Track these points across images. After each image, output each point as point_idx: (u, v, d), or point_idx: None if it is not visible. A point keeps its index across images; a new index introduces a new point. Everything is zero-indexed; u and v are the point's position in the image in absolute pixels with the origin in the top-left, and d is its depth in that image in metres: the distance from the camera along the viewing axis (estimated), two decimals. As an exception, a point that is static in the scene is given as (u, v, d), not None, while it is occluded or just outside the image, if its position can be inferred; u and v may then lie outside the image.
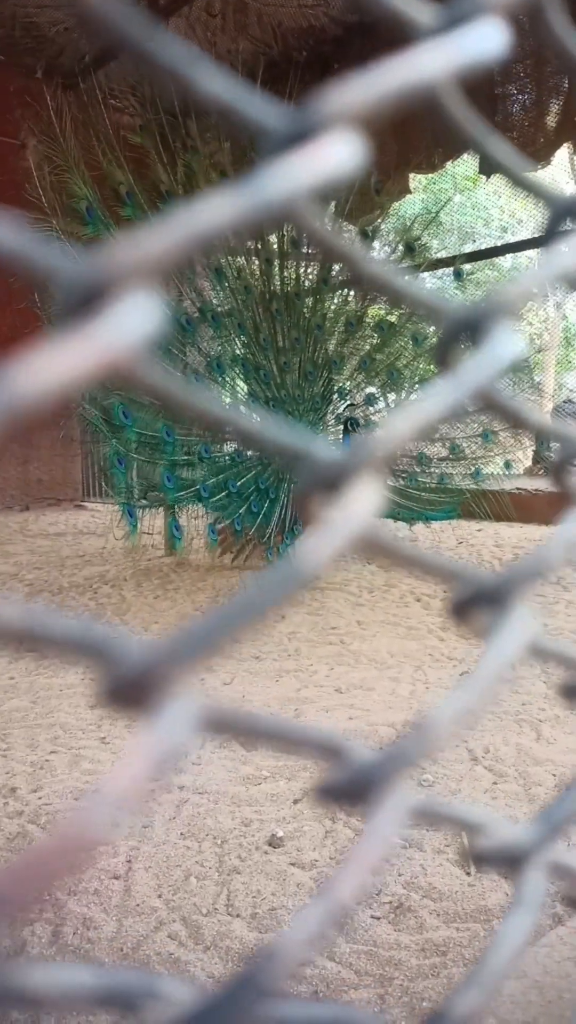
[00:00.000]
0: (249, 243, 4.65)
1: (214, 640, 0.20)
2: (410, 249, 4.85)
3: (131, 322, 0.19)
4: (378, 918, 1.38)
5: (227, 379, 4.62)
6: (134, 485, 4.46)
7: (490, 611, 0.28)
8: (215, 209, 0.20)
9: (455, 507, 5.01)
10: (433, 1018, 0.25)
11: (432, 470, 4.86)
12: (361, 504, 0.22)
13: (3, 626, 0.18)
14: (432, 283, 6.10)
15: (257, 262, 4.67)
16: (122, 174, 4.27)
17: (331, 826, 1.68)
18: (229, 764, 1.99)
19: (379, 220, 5.10)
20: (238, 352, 4.67)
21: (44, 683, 2.68)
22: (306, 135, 0.21)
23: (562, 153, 5.73)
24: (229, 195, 0.20)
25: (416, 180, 6.67)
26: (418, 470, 4.85)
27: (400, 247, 4.89)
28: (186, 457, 4.30)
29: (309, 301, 4.74)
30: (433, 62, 0.23)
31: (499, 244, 11.51)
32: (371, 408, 5.01)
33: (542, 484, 6.78)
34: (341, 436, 4.71)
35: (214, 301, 4.61)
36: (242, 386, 4.75)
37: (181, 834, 1.66)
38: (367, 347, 4.89)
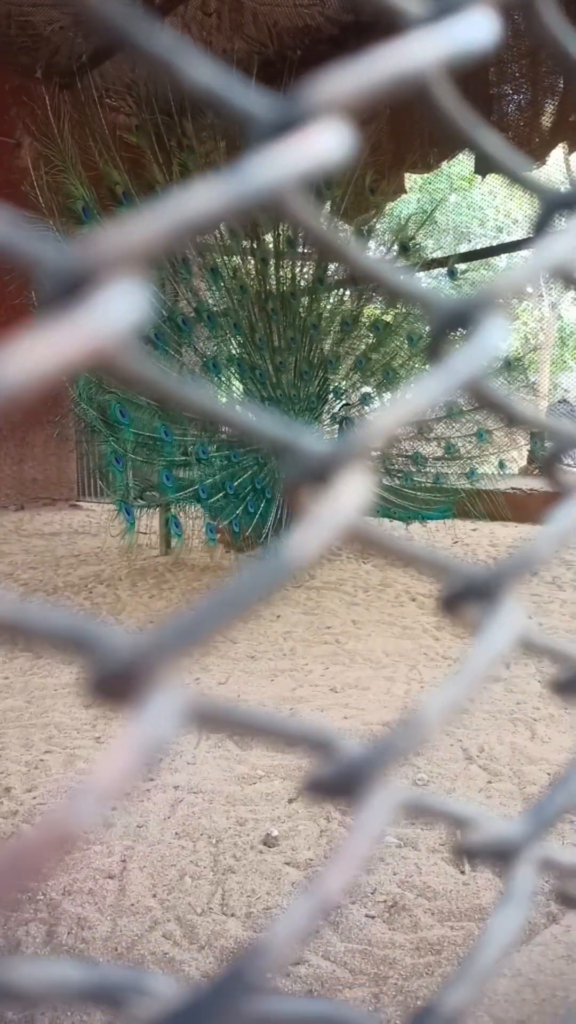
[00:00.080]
0: (245, 242, 4.65)
1: (200, 632, 0.20)
2: (405, 249, 4.85)
3: (117, 310, 0.18)
4: (373, 917, 1.38)
5: (223, 379, 4.61)
6: (131, 485, 4.46)
7: (480, 605, 0.28)
8: (201, 197, 0.19)
9: (450, 507, 5.02)
10: (422, 1014, 0.25)
11: (427, 470, 4.87)
12: (349, 496, 0.22)
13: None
14: (427, 283, 6.11)
15: (253, 261, 4.67)
16: (118, 174, 4.26)
17: (326, 825, 1.68)
18: (224, 763, 1.99)
19: (374, 220, 5.10)
20: (234, 352, 4.67)
21: (39, 683, 2.68)
22: (294, 124, 0.21)
23: (557, 153, 5.74)
24: (215, 183, 0.20)
25: (412, 180, 6.67)
26: (413, 469, 4.85)
27: (395, 247, 4.89)
28: (183, 457, 4.30)
29: (305, 301, 4.74)
30: (422, 51, 0.23)
31: (494, 244, 11.53)
32: (367, 408, 5.01)
33: (537, 484, 6.79)
34: (337, 436, 4.71)
35: (210, 301, 4.61)
36: (238, 386, 4.74)
37: (176, 833, 1.65)
38: (362, 347, 4.89)
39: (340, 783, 0.23)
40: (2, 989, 0.20)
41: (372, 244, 5.00)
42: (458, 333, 0.27)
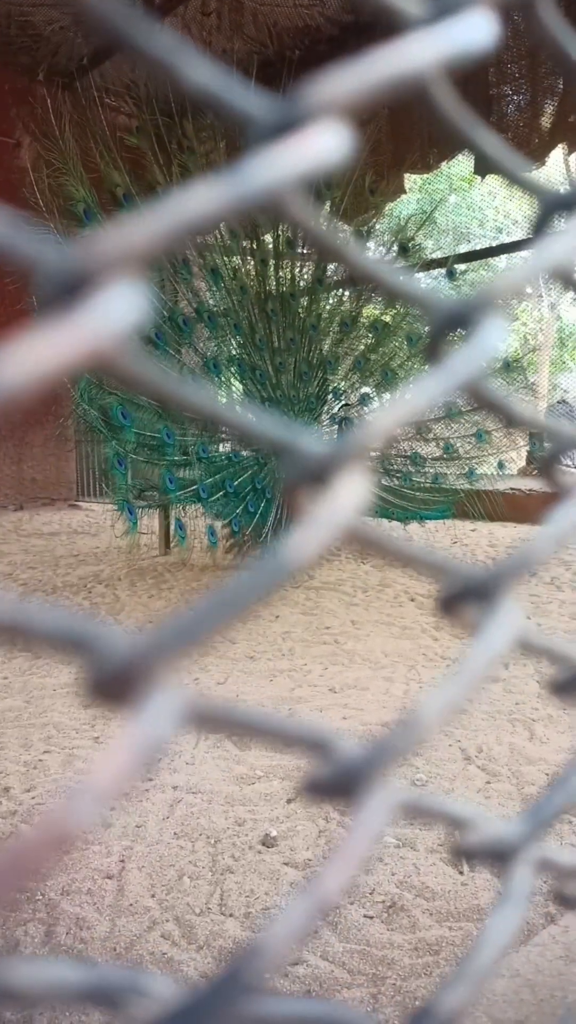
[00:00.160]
0: (245, 243, 4.66)
1: (199, 632, 0.20)
2: (404, 249, 4.86)
3: (116, 311, 0.18)
4: (371, 917, 1.38)
5: (223, 379, 4.62)
6: (131, 485, 4.46)
7: (479, 605, 0.28)
8: (201, 198, 0.19)
9: (449, 507, 5.02)
10: (420, 1014, 0.25)
11: (426, 470, 4.87)
12: (348, 496, 0.22)
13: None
14: (426, 283, 6.10)
15: (253, 262, 4.67)
16: (119, 176, 4.26)
17: (324, 825, 1.68)
18: (223, 764, 1.99)
19: (374, 220, 5.10)
20: (234, 352, 4.67)
21: (38, 683, 2.67)
22: (293, 125, 0.21)
23: (557, 154, 5.74)
24: (214, 184, 0.20)
25: (411, 180, 6.67)
26: (412, 470, 4.86)
27: (394, 247, 4.89)
28: (184, 457, 4.30)
29: (304, 301, 4.75)
30: (421, 52, 0.23)
31: (494, 245, 11.54)
32: (366, 408, 5.02)
33: (536, 484, 6.80)
34: (336, 436, 4.71)
35: (210, 301, 4.61)
36: (238, 386, 4.75)
37: (174, 834, 1.65)
38: (362, 347, 4.89)
39: (339, 783, 0.23)
40: (1, 989, 0.20)
41: (371, 245, 5.00)
42: (457, 334, 0.27)
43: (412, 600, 3.88)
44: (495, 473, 5.00)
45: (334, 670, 2.79)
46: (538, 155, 5.47)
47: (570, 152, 5.64)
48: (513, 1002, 0.85)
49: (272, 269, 4.66)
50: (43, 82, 6.43)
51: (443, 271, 5.21)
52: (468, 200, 14.83)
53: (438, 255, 7.34)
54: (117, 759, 0.19)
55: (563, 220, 0.33)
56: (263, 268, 4.64)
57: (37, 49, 6.43)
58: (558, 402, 13.92)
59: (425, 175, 6.88)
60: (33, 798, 1.81)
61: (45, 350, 0.18)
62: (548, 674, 0.34)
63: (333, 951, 1.28)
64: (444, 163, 6.20)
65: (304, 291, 4.76)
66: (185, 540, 4.55)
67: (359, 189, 4.94)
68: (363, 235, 4.88)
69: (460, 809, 0.29)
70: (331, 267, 4.72)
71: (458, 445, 4.86)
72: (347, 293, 4.83)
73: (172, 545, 4.97)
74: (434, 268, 5.54)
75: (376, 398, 5.02)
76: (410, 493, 4.86)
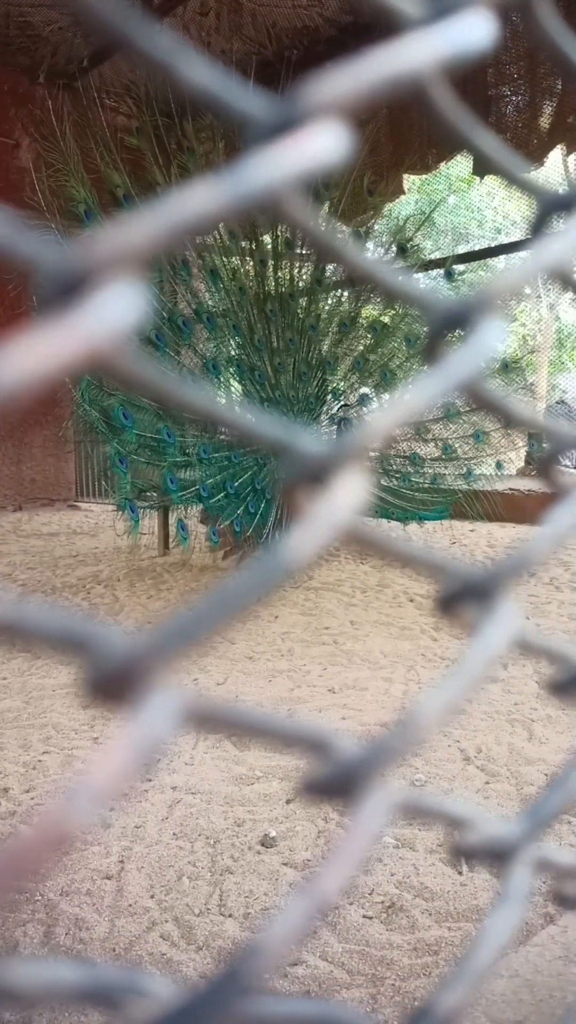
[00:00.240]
0: (244, 244, 4.65)
1: (198, 633, 0.20)
2: (403, 250, 4.86)
3: (114, 311, 0.18)
4: (370, 918, 1.38)
5: (222, 380, 4.62)
6: (131, 485, 4.46)
7: (477, 606, 0.28)
8: (199, 198, 0.19)
9: (448, 507, 5.02)
10: (419, 1015, 0.25)
11: (425, 470, 4.87)
12: (346, 497, 0.22)
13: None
14: (425, 284, 6.11)
15: (252, 263, 4.67)
16: (119, 176, 4.26)
17: (324, 826, 1.68)
18: (222, 764, 1.98)
19: (372, 220, 5.10)
20: (233, 353, 4.67)
21: (37, 683, 2.67)
22: (292, 125, 0.21)
23: (555, 154, 5.74)
24: (213, 184, 0.20)
25: (410, 181, 6.68)
26: (411, 470, 4.86)
27: (393, 248, 4.89)
28: (184, 458, 4.30)
29: (303, 302, 4.75)
30: (419, 53, 0.23)
31: (493, 245, 11.54)
32: (365, 409, 5.02)
33: (534, 485, 6.80)
34: (335, 436, 4.70)
35: (209, 302, 4.61)
36: (237, 387, 4.75)
37: (174, 834, 1.65)
38: (360, 348, 4.89)
39: (338, 784, 0.23)
40: (0, 990, 0.20)
41: (370, 245, 5.00)
42: (455, 334, 0.27)
43: (411, 600, 3.88)
44: (493, 473, 5.00)
45: (333, 670, 2.79)
46: (537, 156, 5.47)
47: (569, 153, 5.64)
48: (512, 1002, 0.85)
49: (271, 270, 4.66)
50: (43, 83, 6.44)
51: (442, 271, 5.20)
52: (467, 201, 14.84)
53: (437, 255, 7.34)
54: (116, 759, 0.19)
55: (561, 221, 0.33)
56: (262, 269, 4.64)
57: (37, 50, 6.43)
58: (556, 402, 13.93)
59: (424, 176, 6.88)
60: (32, 799, 1.81)
61: (44, 350, 0.18)
62: (547, 674, 0.34)
63: (332, 951, 1.28)
64: (443, 164, 6.20)
65: (303, 292, 4.76)
66: (187, 543, 4.55)
67: (358, 189, 4.94)
68: (362, 235, 4.88)
69: (459, 809, 0.29)
70: (330, 268, 4.72)
71: (457, 445, 4.86)
72: (346, 294, 4.82)
73: (173, 545, 4.97)
74: (433, 268, 5.54)
75: (375, 398, 5.02)
76: (409, 493, 4.86)
